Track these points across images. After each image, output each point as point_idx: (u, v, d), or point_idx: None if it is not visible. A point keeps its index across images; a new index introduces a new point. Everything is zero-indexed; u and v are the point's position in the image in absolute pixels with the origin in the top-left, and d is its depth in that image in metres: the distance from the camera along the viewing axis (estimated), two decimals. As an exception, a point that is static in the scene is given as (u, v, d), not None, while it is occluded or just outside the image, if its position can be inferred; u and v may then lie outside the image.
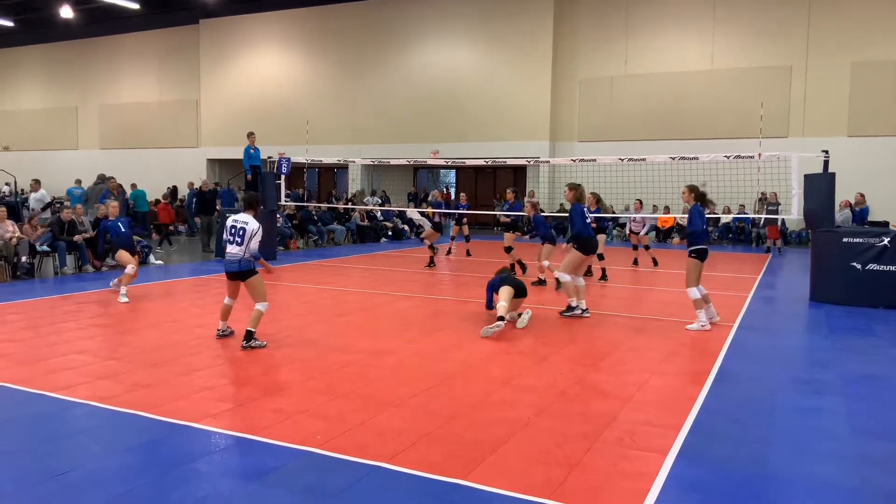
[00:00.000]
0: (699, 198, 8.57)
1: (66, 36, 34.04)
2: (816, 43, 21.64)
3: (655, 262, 14.75)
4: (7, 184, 27.34)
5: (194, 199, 19.25)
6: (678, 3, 23.41)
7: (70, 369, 6.26)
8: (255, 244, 7.14)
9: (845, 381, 6.34)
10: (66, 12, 28.10)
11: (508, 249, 13.23)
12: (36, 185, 19.83)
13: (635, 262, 15.10)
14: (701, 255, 8.47)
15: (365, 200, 25.57)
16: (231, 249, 7.21)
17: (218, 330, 7.64)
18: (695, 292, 8.43)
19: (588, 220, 9.20)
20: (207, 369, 6.36)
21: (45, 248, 12.57)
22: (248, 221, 7.18)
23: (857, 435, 4.96)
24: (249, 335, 7.07)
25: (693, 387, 5.98)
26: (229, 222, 7.27)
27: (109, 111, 34.03)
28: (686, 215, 8.74)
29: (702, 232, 8.48)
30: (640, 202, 15.92)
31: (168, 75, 32.53)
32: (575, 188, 9.22)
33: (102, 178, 18.67)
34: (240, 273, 7.21)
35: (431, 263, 14.35)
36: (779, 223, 18.87)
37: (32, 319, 8.54)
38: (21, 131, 36.16)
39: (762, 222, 19.95)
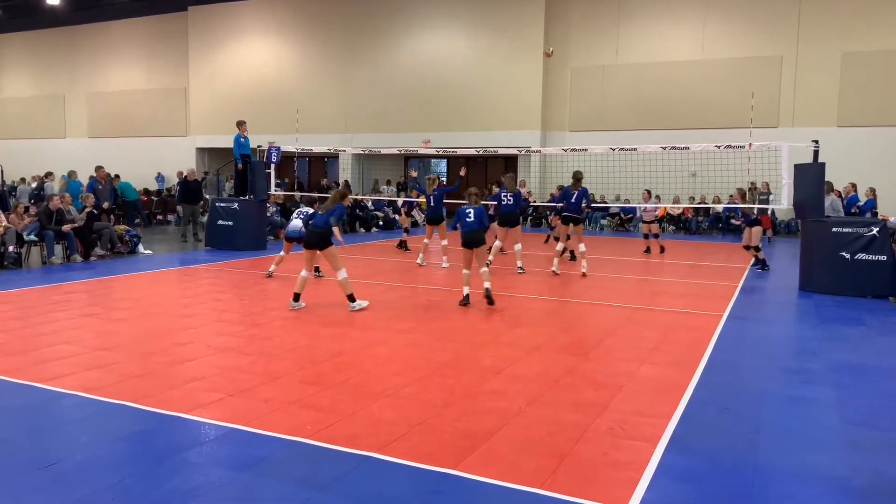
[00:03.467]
0: (577, 182, 11.99)
1: (53, 23, 33.61)
2: (807, 33, 21.66)
3: (662, 249, 15.83)
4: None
5: (178, 189, 18.83)
6: (669, -8, 23.38)
7: (59, 359, 6.21)
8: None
9: (834, 371, 6.38)
10: (53, -1, 27.80)
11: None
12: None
13: (647, 250, 15.88)
14: (564, 220, 12.03)
15: (381, 189, 25.96)
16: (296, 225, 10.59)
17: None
18: (581, 246, 11.99)
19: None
20: (197, 359, 6.33)
21: (32, 237, 12.46)
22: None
23: (846, 424, 5.00)
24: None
25: (683, 376, 6.00)
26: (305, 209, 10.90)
27: (97, 99, 33.69)
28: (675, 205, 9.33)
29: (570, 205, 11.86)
30: (649, 192, 16.33)
31: (156, 63, 32.21)
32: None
33: (206, 173, 18.64)
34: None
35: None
36: (769, 212, 18.92)
37: (20, 309, 8.46)
38: (7, 120, 35.78)
39: (755, 212, 19.96)
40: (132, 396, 5.21)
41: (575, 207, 11.88)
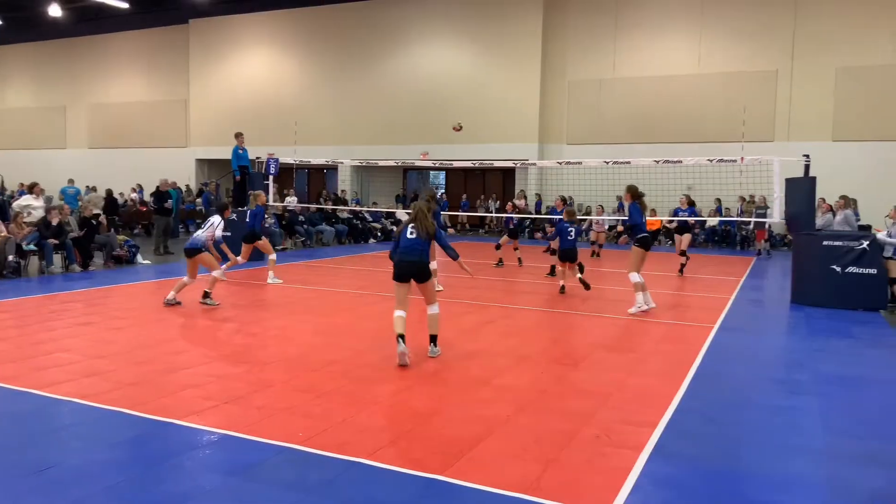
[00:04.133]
0: (636, 197, 9.70)
1: (55, 34, 33.92)
2: (802, 47, 21.91)
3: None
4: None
5: (152, 198, 18.07)
6: (666, 7, 23.63)
7: (56, 367, 6.30)
8: (209, 233, 9.58)
9: (821, 381, 6.48)
10: (55, 11, 28.03)
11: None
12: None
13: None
14: (644, 244, 9.63)
15: (373, 202, 26.32)
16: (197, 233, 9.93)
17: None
18: (636, 276, 9.53)
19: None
20: (192, 368, 6.41)
21: (31, 247, 12.56)
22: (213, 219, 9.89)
23: (829, 433, 5.09)
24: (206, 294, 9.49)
25: (670, 386, 6.09)
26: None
27: (98, 110, 33.92)
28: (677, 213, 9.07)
29: (642, 225, 9.66)
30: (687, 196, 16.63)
31: (157, 75, 32.48)
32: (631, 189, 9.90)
33: (205, 184, 18.57)
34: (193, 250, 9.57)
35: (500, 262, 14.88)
36: (766, 226, 19.05)
37: (19, 318, 8.56)
38: (9, 130, 35.99)
39: (752, 225, 20.16)
40: (127, 403, 5.29)
41: (571, 245, 11.27)
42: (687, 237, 14.37)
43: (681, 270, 13.94)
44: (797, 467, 4.44)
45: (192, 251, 9.49)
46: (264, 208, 12.38)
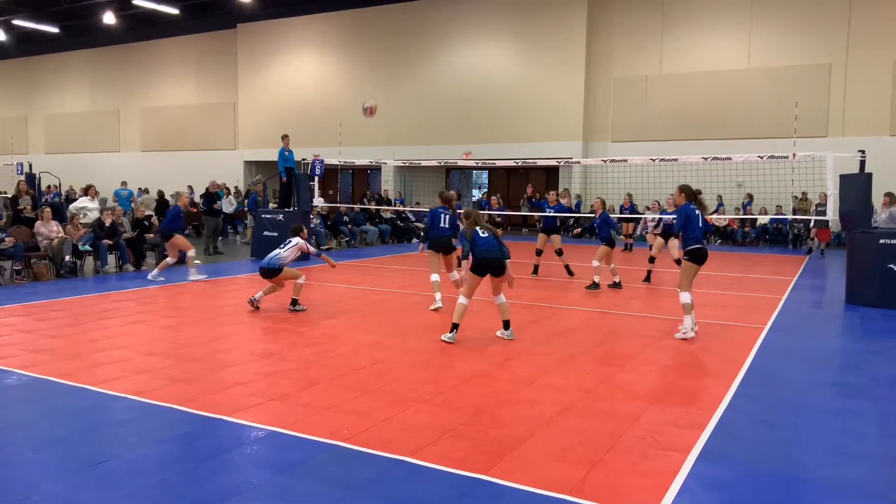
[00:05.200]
0: (690, 197, 8.07)
1: (109, 41, 34.95)
2: (857, 40, 21.21)
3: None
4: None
5: (202, 200, 18.68)
6: (714, 2, 23.15)
7: (110, 364, 6.49)
8: (289, 253, 9.36)
9: (877, 384, 6.27)
10: (109, 18, 28.90)
11: (559, 252, 13.06)
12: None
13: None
14: (695, 258, 7.89)
15: (416, 202, 26.68)
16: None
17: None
18: (686, 296, 7.89)
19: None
20: (239, 365, 6.54)
21: (87, 247, 12.97)
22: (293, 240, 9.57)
23: (886, 437, 4.92)
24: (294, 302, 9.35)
25: (720, 388, 5.97)
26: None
27: (150, 114, 34.85)
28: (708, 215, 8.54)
29: (693, 234, 7.93)
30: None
31: (207, 79, 33.20)
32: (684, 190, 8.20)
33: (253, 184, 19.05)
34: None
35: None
36: (830, 224, 18.42)
37: (75, 316, 8.84)
38: (66, 134, 37.25)
39: (811, 223, 19.52)
40: (178, 400, 5.43)
41: (609, 233, 11.77)
42: (676, 243, 12.01)
43: (648, 277, 12.65)
44: (852, 473, 4.30)
45: (271, 272, 9.20)
46: (181, 208, 12.58)
